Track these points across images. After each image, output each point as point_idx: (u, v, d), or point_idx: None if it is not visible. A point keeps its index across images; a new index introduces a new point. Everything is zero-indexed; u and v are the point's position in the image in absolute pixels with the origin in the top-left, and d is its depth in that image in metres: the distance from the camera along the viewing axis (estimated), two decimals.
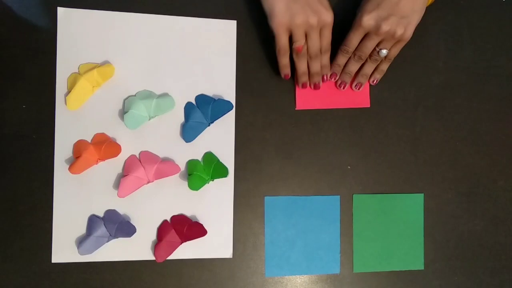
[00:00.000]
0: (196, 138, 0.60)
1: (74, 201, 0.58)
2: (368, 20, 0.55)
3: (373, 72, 0.62)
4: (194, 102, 0.60)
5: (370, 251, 0.64)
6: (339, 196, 0.63)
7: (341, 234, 0.63)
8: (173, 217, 0.60)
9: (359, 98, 0.64)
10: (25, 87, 0.58)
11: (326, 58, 0.59)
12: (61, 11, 0.58)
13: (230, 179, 0.61)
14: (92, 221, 0.58)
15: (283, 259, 0.62)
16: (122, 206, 0.59)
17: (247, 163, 0.62)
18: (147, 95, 0.59)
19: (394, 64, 0.61)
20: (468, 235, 0.66)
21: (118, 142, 0.59)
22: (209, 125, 0.60)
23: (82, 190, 0.58)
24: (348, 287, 0.63)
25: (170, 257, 0.59)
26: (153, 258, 0.59)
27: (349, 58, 0.60)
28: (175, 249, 0.59)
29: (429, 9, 0.60)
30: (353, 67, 0.60)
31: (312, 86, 0.61)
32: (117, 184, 0.58)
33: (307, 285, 0.63)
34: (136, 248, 0.59)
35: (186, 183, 0.59)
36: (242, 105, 0.62)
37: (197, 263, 0.60)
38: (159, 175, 0.58)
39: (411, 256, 0.64)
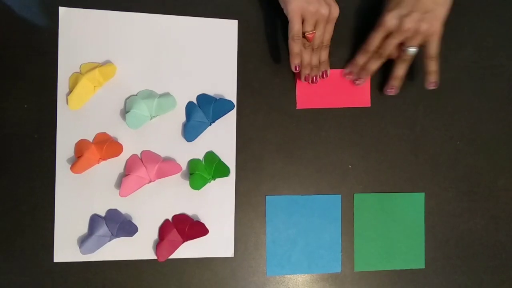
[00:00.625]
0: (198, 138, 0.60)
1: (76, 200, 0.58)
2: (390, 19, 0.55)
3: (426, 76, 0.59)
4: (195, 101, 0.61)
5: (371, 250, 0.64)
6: (340, 195, 0.63)
7: (342, 233, 0.63)
8: (174, 217, 0.60)
9: (359, 97, 0.64)
10: (27, 87, 0.58)
11: (325, 53, 0.60)
12: (62, 10, 0.58)
13: (231, 178, 0.61)
14: (94, 220, 0.58)
15: (284, 258, 0.62)
16: (124, 206, 0.59)
17: (248, 163, 0.62)
18: (149, 95, 0.59)
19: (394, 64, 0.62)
20: (468, 234, 0.66)
21: (120, 141, 0.59)
22: (210, 125, 0.60)
23: (84, 189, 0.58)
24: (349, 286, 0.63)
25: (172, 256, 0.59)
26: (154, 257, 0.59)
27: (369, 57, 0.59)
28: (176, 248, 0.59)
29: None
30: (373, 65, 0.60)
31: (310, 80, 0.60)
32: (119, 184, 0.59)
33: (308, 284, 0.63)
34: (138, 248, 0.59)
35: (187, 182, 0.60)
36: (243, 105, 0.62)
37: (198, 262, 0.60)
38: (161, 174, 0.58)
39: (411, 255, 0.65)
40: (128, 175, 0.58)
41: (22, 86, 0.58)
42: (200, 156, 0.61)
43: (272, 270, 0.62)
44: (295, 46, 0.56)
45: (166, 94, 0.60)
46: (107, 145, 0.57)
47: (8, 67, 0.57)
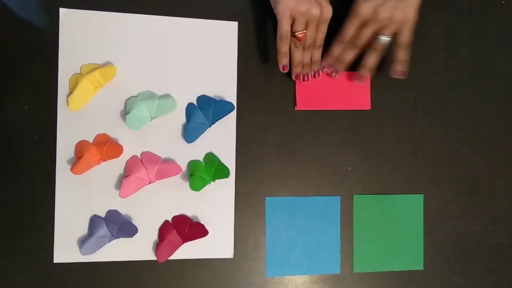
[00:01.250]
0: (198, 139, 0.60)
1: (76, 201, 0.58)
2: (365, 8, 0.54)
3: (393, 64, 0.58)
4: (195, 103, 0.61)
5: (370, 251, 0.64)
6: (339, 197, 0.64)
7: (342, 235, 0.64)
8: (174, 218, 0.60)
9: (360, 100, 0.64)
10: (27, 88, 0.58)
11: (318, 53, 0.59)
12: (63, 12, 0.58)
13: (231, 179, 0.61)
14: (94, 221, 0.58)
15: (283, 259, 0.62)
16: (124, 207, 0.59)
17: (248, 164, 0.62)
18: (149, 96, 0.59)
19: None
20: (467, 236, 0.66)
21: (120, 142, 0.59)
22: (210, 126, 0.60)
23: (84, 190, 0.58)
24: (348, 287, 0.64)
25: (172, 257, 0.59)
26: (154, 258, 0.59)
27: (344, 48, 0.59)
28: (176, 249, 0.59)
29: (429, 10, 0.60)
30: (347, 55, 0.58)
31: (301, 78, 0.60)
32: (119, 185, 0.59)
33: (308, 285, 0.63)
34: (138, 248, 0.59)
35: (187, 183, 0.60)
36: (243, 106, 0.62)
37: (198, 263, 0.61)
38: (161, 175, 0.58)
39: (411, 256, 0.65)
40: (128, 176, 0.58)
41: (22, 87, 0.58)
42: (200, 157, 0.61)
43: (272, 271, 0.62)
44: (283, 45, 0.56)
45: (166, 96, 0.60)
46: (107, 146, 0.57)
47: (9, 67, 0.58)
